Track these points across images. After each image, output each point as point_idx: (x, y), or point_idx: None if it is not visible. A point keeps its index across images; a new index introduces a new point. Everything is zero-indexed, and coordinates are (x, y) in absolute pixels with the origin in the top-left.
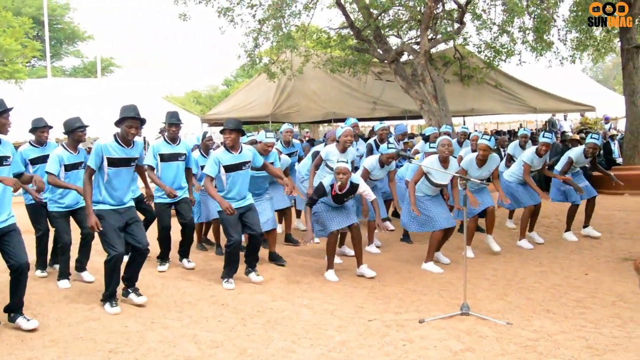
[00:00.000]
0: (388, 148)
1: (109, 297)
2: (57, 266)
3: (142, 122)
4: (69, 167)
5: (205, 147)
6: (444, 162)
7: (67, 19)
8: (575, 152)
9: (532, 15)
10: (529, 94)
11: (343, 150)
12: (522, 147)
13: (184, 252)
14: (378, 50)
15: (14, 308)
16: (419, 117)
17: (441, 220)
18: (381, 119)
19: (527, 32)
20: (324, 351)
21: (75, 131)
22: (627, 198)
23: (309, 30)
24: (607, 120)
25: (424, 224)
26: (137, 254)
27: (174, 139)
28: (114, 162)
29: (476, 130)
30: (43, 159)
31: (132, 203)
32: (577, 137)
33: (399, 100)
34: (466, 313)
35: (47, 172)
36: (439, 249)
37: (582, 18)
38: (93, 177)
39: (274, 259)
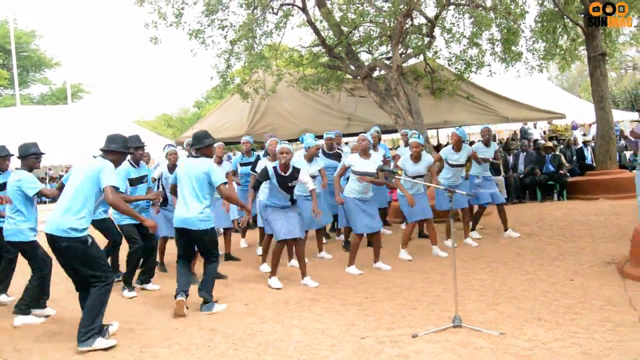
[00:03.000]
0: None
1: None
2: None
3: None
4: None
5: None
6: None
7: (33, 46)
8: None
9: (500, 27)
10: (500, 104)
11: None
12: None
13: (149, 275)
14: (350, 66)
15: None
16: (394, 131)
17: (361, 225)
18: (356, 134)
19: (496, 43)
20: None
21: (28, 157)
22: (602, 202)
23: (280, 49)
24: (575, 127)
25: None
26: None
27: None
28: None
29: (415, 134)
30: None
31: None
32: (550, 144)
33: (373, 115)
34: (458, 325)
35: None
36: (377, 258)
37: (548, 28)
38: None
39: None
